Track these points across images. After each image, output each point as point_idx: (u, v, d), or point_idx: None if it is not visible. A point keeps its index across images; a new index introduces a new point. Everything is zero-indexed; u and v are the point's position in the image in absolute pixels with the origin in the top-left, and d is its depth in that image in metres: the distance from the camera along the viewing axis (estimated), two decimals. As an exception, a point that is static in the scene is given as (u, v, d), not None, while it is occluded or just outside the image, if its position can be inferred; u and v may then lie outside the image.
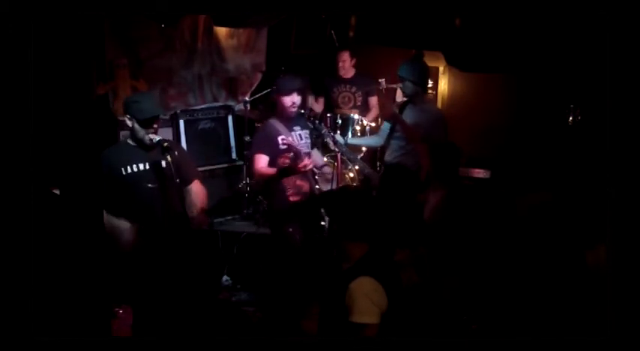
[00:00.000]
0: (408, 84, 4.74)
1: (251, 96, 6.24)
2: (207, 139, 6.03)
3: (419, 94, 4.80)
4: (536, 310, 3.12)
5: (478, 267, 3.48)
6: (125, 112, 3.70)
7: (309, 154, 4.47)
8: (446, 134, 4.75)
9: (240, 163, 6.01)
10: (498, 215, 3.91)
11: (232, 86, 6.37)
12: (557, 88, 5.87)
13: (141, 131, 3.63)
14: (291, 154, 4.32)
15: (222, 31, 6.13)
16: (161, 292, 3.61)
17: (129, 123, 3.67)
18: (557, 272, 3.15)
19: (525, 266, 3.25)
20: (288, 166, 4.29)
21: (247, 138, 5.80)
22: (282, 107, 4.39)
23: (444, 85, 7.03)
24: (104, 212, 3.51)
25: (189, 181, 3.88)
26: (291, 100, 4.36)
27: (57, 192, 2.68)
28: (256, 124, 6.05)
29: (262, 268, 4.93)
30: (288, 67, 6.22)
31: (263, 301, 4.79)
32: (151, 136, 3.65)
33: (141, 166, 3.69)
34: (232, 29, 6.18)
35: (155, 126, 3.69)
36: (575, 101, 5.74)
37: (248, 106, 5.93)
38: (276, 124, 4.43)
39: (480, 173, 5.79)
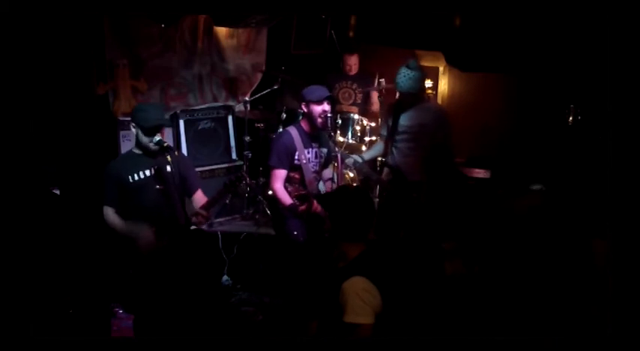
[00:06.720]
0: (405, 93, 4.74)
1: (251, 96, 6.23)
2: (207, 139, 6.02)
3: (417, 97, 4.80)
4: (537, 309, 3.12)
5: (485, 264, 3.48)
6: (132, 120, 3.85)
7: (318, 174, 4.46)
8: (449, 132, 4.73)
9: (241, 163, 6.00)
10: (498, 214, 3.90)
11: (232, 86, 6.36)
12: (557, 88, 5.87)
13: (144, 138, 3.76)
14: (301, 171, 4.35)
15: (222, 31, 6.13)
16: (164, 292, 3.63)
17: (134, 131, 3.81)
18: (555, 271, 3.15)
19: (524, 265, 3.25)
20: (301, 209, 4.27)
21: (247, 138, 5.80)
22: (312, 117, 4.33)
23: (444, 85, 7.04)
24: (122, 220, 3.66)
25: (193, 191, 4.00)
26: (322, 109, 4.32)
27: (57, 192, 2.69)
28: (256, 125, 6.07)
29: (263, 269, 4.93)
30: (288, 67, 6.22)
31: (264, 301, 4.79)
32: (155, 137, 3.77)
33: (147, 173, 3.82)
34: (232, 29, 6.18)
35: (159, 134, 3.81)
36: (575, 101, 5.74)
37: (248, 106, 5.93)
38: (296, 136, 4.36)
39: (479, 173, 5.78)
